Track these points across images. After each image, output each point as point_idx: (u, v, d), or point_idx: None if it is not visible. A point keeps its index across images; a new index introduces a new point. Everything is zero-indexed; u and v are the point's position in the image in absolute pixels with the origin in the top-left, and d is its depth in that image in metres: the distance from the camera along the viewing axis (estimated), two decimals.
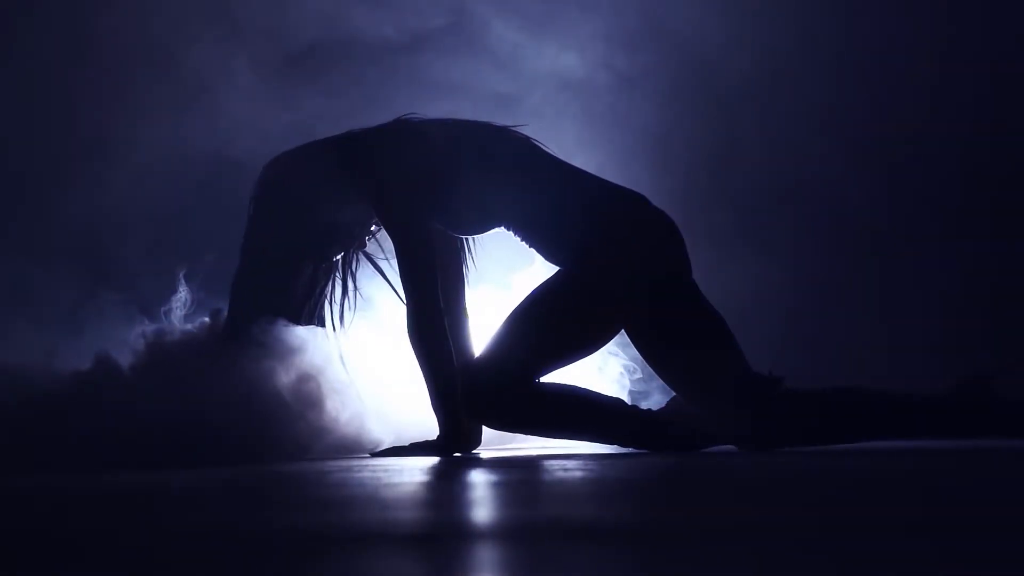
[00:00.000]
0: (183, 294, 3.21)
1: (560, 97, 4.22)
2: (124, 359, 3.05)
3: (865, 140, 4.21)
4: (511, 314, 3.07)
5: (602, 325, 3.07)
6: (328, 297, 3.28)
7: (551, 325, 3.04)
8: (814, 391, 3.03)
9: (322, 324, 3.26)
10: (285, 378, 3.09)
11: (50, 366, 3.04)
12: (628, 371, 3.46)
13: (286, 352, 3.13)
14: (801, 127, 4.20)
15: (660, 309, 3.05)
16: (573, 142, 4.15)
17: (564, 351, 3.06)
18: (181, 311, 3.20)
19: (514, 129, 3.25)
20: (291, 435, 3.05)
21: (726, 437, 3.13)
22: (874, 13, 4.23)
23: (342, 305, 3.29)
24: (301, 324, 3.20)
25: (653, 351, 3.09)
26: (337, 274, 3.29)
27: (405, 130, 3.21)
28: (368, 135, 3.22)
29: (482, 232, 3.22)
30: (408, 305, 3.08)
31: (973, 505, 1.62)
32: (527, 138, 3.24)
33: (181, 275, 3.22)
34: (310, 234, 3.21)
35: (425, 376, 3.07)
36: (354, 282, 3.30)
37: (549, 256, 3.13)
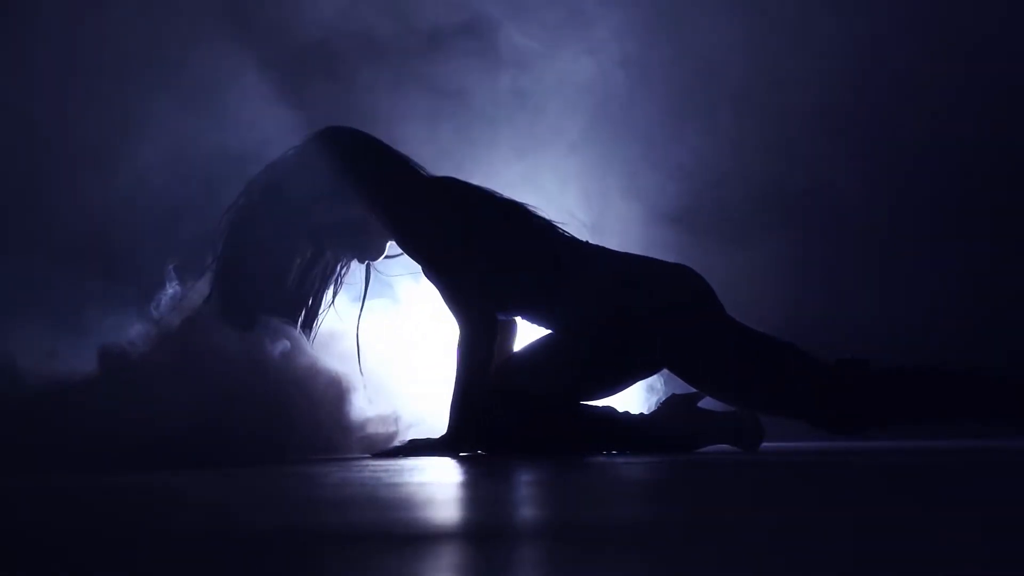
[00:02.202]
0: (171, 290, 3.18)
1: (567, 97, 4.22)
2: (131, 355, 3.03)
3: (866, 140, 4.22)
4: (540, 348, 3.10)
5: (629, 377, 3.11)
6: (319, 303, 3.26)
7: (582, 372, 3.08)
8: (905, 369, 3.03)
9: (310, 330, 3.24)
10: (306, 373, 3.08)
11: (55, 364, 3.03)
12: None
13: (305, 347, 3.13)
14: (803, 127, 4.20)
15: (688, 357, 3.06)
16: (580, 139, 4.16)
17: (597, 394, 3.11)
18: (169, 306, 3.17)
19: (542, 216, 3.24)
20: (314, 432, 3.03)
21: (722, 437, 3.14)
22: (876, 14, 4.23)
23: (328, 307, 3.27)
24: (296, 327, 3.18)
25: (698, 386, 3.13)
26: (330, 282, 3.27)
27: (452, 187, 3.20)
28: (416, 175, 3.21)
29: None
30: (462, 322, 3.07)
31: (974, 505, 1.62)
32: (550, 223, 3.22)
33: (171, 268, 3.20)
34: (329, 216, 3.19)
35: (458, 378, 3.08)
36: (335, 291, 3.28)
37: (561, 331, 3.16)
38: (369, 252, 3.26)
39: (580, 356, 3.09)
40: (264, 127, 4.03)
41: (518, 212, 3.21)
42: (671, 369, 3.11)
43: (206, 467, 2.68)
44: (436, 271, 3.12)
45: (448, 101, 4.12)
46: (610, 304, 3.09)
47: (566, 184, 4.10)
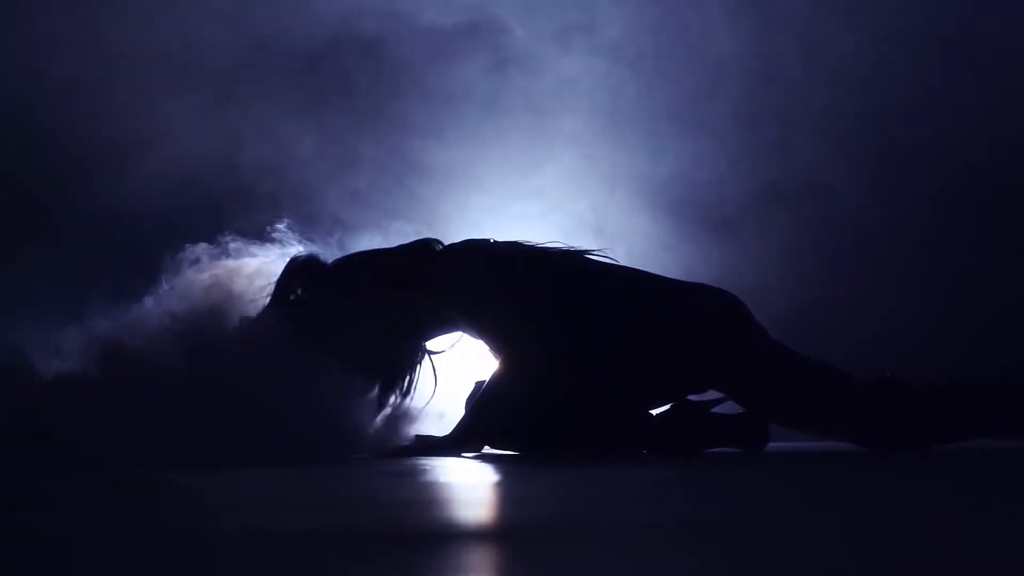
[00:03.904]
0: (167, 288, 3.17)
1: (573, 97, 4.22)
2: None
3: (867, 143, 4.22)
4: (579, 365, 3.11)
5: (671, 394, 3.15)
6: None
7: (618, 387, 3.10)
8: (941, 387, 3.04)
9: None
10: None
11: (61, 362, 3.03)
12: None
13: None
14: (802, 128, 4.21)
15: (729, 378, 3.08)
16: (585, 140, 4.16)
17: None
18: (162, 302, 3.15)
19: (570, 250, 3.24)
20: (331, 425, 3.03)
21: (728, 439, 3.14)
22: (881, 19, 4.23)
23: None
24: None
25: (757, 411, 3.13)
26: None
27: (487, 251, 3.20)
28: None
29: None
30: (523, 360, 3.08)
31: (983, 507, 1.62)
32: (580, 254, 3.22)
33: (168, 261, 3.19)
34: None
35: (492, 387, 3.07)
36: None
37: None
38: (369, 374, 3.21)
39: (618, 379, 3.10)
40: (273, 135, 4.04)
41: (553, 257, 3.21)
42: (715, 389, 3.12)
43: (214, 467, 2.68)
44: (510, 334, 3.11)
45: (453, 103, 4.13)
46: (648, 326, 3.10)
47: (572, 186, 4.11)
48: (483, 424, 3.09)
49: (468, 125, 4.09)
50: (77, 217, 4.10)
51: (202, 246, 3.21)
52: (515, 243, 3.21)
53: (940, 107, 4.16)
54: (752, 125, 4.22)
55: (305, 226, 3.41)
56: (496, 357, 3.14)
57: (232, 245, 3.23)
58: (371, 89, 4.16)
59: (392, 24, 4.19)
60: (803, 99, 4.21)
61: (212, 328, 3.04)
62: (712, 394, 3.17)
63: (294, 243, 3.32)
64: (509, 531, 1.39)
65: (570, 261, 3.19)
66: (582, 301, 3.13)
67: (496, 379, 3.09)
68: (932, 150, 4.17)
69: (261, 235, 3.31)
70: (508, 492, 1.98)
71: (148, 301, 3.16)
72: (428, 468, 2.55)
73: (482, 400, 3.09)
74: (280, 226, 3.29)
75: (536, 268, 3.16)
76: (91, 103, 4.12)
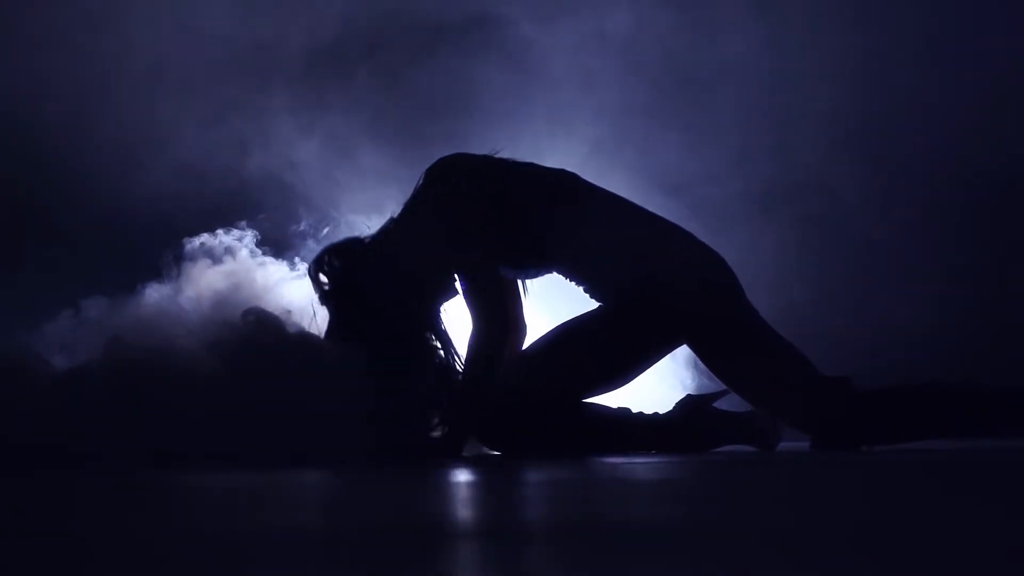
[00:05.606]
0: (167, 287, 3.17)
1: (579, 94, 4.22)
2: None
3: (865, 140, 4.22)
4: (552, 341, 3.09)
5: (646, 355, 3.11)
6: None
7: (595, 356, 3.06)
8: (890, 388, 3.04)
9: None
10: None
11: (67, 358, 3.03)
12: None
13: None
14: (803, 128, 4.21)
15: (710, 338, 3.06)
16: (588, 137, 4.16)
17: (607, 380, 3.10)
18: (172, 297, 3.15)
19: (559, 168, 3.23)
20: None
21: (738, 437, 3.14)
22: (877, 17, 4.24)
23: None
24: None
25: (715, 369, 3.10)
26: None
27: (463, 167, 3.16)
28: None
29: (538, 275, 3.20)
30: (477, 329, 3.06)
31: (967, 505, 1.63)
32: (575, 175, 3.22)
33: (169, 258, 3.19)
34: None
35: (464, 380, 3.06)
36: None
37: (597, 294, 3.13)
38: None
39: (593, 345, 3.07)
40: (277, 137, 4.05)
41: (535, 165, 3.20)
42: (689, 341, 3.09)
43: (216, 467, 2.68)
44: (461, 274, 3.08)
45: (457, 103, 4.13)
46: (643, 266, 3.09)
47: None
48: (461, 426, 3.06)
49: (472, 125, 4.10)
50: (78, 217, 4.11)
51: (204, 239, 3.22)
52: (499, 159, 3.18)
53: (941, 108, 4.17)
54: (754, 125, 4.23)
55: (310, 227, 3.42)
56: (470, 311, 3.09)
57: (244, 240, 3.24)
58: (370, 83, 4.16)
59: (395, 23, 4.19)
60: (805, 99, 4.21)
61: (231, 325, 3.04)
62: (715, 387, 3.17)
63: (303, 242, 3.34)
64: (508, 531, 1.39)
65: (564, 182, 3.19)
66: (571, 218, 3.12)
67: (467, 359, 3.06)
68: (932, 150, 4.17)
69: (267, 235, 3.32)
70: (507, 492, 1.98)
71: (150, 292, 3.16)
72: (427, 469, 2.55)
73: (459, 394, 3.07)
74: (296, 227, 3.31)
75: (522, 182, 3.15)
76: (93, 105, 4.13)
